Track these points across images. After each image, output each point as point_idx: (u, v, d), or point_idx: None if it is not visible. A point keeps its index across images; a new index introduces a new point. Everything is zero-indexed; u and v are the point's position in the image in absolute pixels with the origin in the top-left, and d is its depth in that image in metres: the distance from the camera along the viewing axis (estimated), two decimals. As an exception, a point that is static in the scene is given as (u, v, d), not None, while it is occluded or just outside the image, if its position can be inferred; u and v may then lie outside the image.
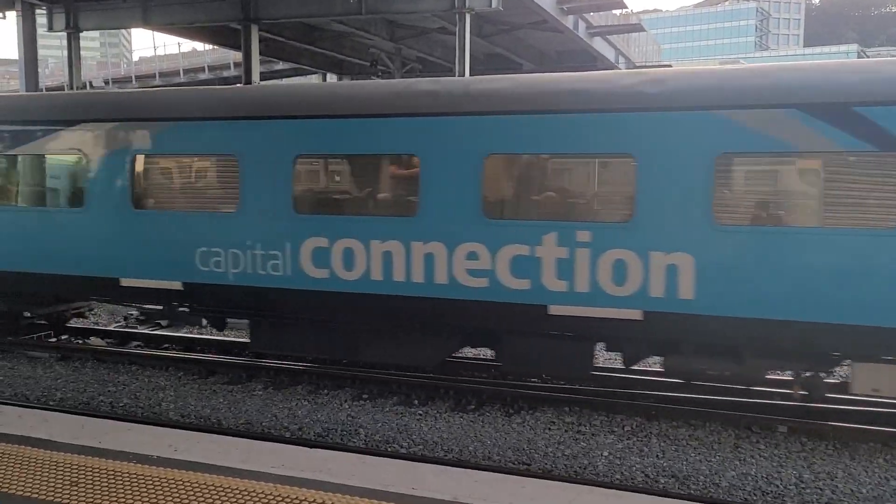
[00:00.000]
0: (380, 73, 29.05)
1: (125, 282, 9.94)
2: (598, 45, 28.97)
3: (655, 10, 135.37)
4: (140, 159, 9.86)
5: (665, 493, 6.45)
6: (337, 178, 10.11)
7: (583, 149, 8.18)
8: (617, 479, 7.12)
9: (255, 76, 24.22)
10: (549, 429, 8.40)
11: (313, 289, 9.02)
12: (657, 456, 7.61)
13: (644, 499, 5.08)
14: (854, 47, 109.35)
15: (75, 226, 10.20)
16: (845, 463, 7.40)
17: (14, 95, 12.73)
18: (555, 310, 8.14)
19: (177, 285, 9.68)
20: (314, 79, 36.10)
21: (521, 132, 8.24)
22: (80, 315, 13.17)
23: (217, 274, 9.43)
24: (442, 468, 5.62)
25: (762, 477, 7.06)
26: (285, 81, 35.98)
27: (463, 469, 5.67)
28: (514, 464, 7.52)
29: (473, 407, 9.14)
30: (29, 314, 12.13)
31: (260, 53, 25.00)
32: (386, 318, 9.15)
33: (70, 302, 12.41)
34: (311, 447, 6.07)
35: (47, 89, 33.54)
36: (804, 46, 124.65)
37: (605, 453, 7.67)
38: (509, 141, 8.32)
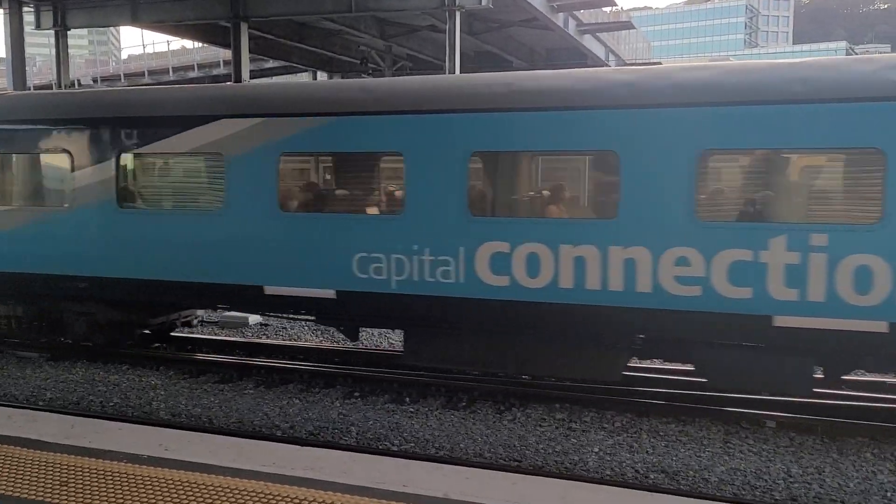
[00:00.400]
0: (370, 72, 29.01)
1: (270, 290, 9.42)
2: (589, 42, 29.03)
3: (645, 8, 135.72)
4: (285, 158, 9.33)
5: (655, 489, 6.48)
6: (518, 177, 9.32)
7: (824, 143, 7.39)
8: (607, 474, 7.16)
9: (245, 74, 24.12)
10: (540, 425, 8.44)
11: (490, 297, 8.44)
12: (647, 452, 7.65)
13: (635, 494, 5.12)
14: (843, 44, 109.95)
15: (212, 230, 9.61)
16: (833, 457, 7.46)
17: (142, 88, 11.93)
18: (782, 321, 7.46)
19: (329, 293, 9.12)
20: (304, 77, 36.00)
21: (741, 126, 7.52)
22: (188, 324, 12.89)
23: (377, 281, 8.87)
24: (433, 465, 5.63)
25: (751, 472, 7.11)
26: (276, 79, 35.87)
27: (454, 466, 5.69)
28: (505, 461, 7.55)
29: (465, 404, 9.17)
30: (141, 324, 11.46)
31: (250, 51, 24.88)
32: (573, 328, 8.54)
33: (183, 310, 11.99)
34: (302, 445, 6.08)
35: (35, 88, 33.32)
36: (793, 44, 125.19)
37: (596, 449, 7.70)
38: (729, 136, 7.58)
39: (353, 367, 10.36)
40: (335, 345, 11.90)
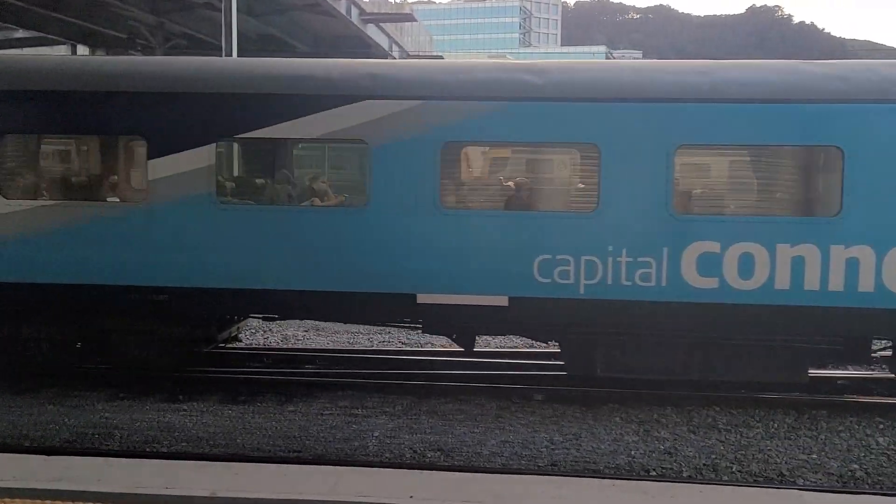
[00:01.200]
0: (139, 48, 26.96)
1: (424, 298, 8.28)
2: (372, 32, 29.26)
3: (429, 2, 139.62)
4: (447, 149, 8.15)
5: (423, 466, 6.69)
6: (728, 173, 8.79)
7: None
8: (387, 457, 7.27)
9: (-12, 43, 21.34)
10: (322, 414, 8.38)
11: (695, 300, 7.92)
12: (426, 432, 7.88)
13: (406, 473, 5.24)
14: (603, 48, 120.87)
15: (350, 230, 8.28)
16: (589, 423, 8.18)
17: (258, 59, 9.28)
18: None
19: (500, 301, 8.18)
20: (62, 50, 32.59)
21: None
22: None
23: (562, 286, 8.06)
24: (201, 464, 5.39)
25: (519, 443, 7.60)
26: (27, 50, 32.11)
27: (224, 463, 5.48)
28: (284, 452, 7.40)
29: (244, 398, 8.86)
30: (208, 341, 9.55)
31: (-6, 18, 22.06)
32: (787, 331, 8.13)
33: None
34: (48, 455, 5.51)
35: None
36: (562, 46, 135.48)
37: (377, 434, 7.80)
38: None
39: (116, 368, 9.58)
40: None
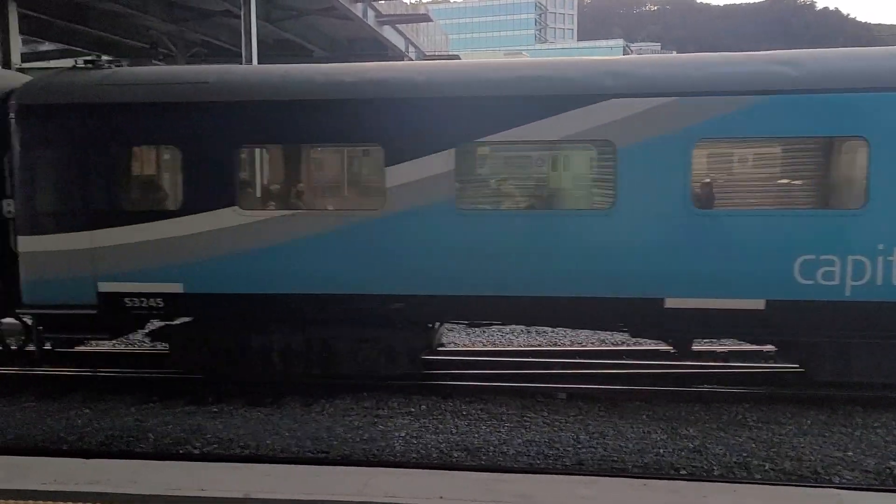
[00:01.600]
0: (161, 57, 27.32)
1: (672, 303, 8.05)
2: (388, 33, 29.39)
3: (444, 0, 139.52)
4: (699, 146, 7.95)
5: (452, 466, 6.77)
6: None
7: None
8: (413, 457, 7.36)
9: (16, 57, 21.73)
10: (348, 415, 8.49)
11: None
12: (451, 432, 7.96)
13: (433, 474, 5.32)
14: (620, 42, 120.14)
15: (595, 233, 8.09)
16: (615, 422, 8.21)
17: (499, 63, 9.14)
18: None
19: (756, 304, 7.92)
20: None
21: None
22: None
23: (825, 288, 7.76)
24: (233, 466, 5.51)
25: (545, 442, 7.65)
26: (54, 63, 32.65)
27: (255, 464, 5.59)
28: (312, 453, 7.52)
29: (271, 400, 9.00)
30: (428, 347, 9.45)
31: (21, 32, 22.47)
32: None
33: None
34: (87, 458, 5.67)
35: None
36: (578, 40, 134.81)
37: (402, 434, 7.89)
38: None
39: (148, 371, 9.78)
40: (129, 348, 11.17)
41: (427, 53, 34.26)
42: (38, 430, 8.07)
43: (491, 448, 7.53)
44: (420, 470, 5.41)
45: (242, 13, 18.78)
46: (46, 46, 31.50)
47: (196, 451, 7.55)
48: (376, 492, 4.84)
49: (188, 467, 5.45)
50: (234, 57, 26.15)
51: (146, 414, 8.54)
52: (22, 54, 23.26)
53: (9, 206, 8.85)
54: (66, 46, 30.67)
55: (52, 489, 4.92)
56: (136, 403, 8.91)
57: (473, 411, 8.56)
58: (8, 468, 5.30)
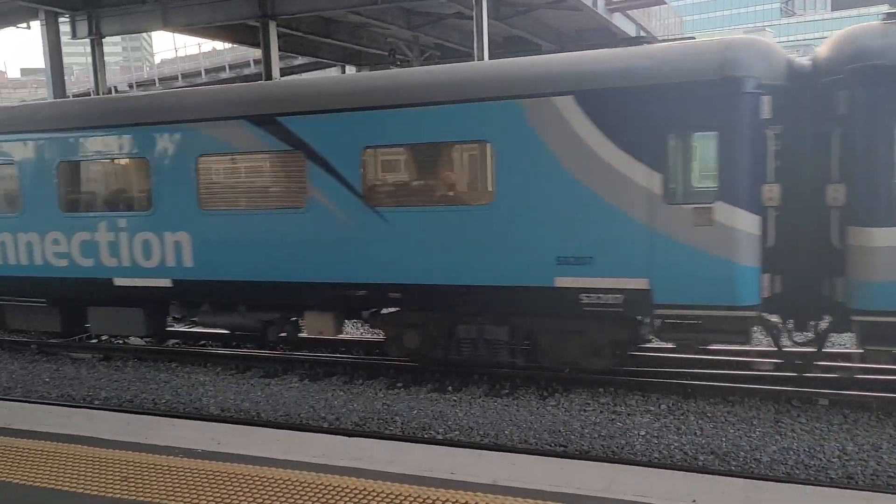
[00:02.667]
0: (398, 63, 29.02)
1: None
2: (618, 20, 28.62)
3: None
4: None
5: (705, 470, 6.43)
6: None
7: None
8: (655, 457, 7.12)
9: (276, 72, 24.34)
10: (585, 410, 8.41)
11: None
12: (695, 433, 7.58)
13: (686, 476, 5.08)
14: (884, 7, 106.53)
15: None
16: (890, 433, 7.30)
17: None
18: None
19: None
20: (333, 72, 36.16)
21: None
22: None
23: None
24: (480, 452, 5.67)
25: (804, 451, 7.00)
26: (305, 75, 36.07)
27: (500, 453, 5.71)
28: (550, 446, 7.55)
29: (507, 391, 9.18)
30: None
31: (279, 49, 25.10)
32: None
33: None
34: (349, 436, 6.16)
35: (74, 96, 34.04)
36: (832, 10, 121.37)
37: (643, 432, 7.66)
38: None
39: (394, 358, 10.42)
40: (375, 336, 11.99)
41: (659, 38, 32.89)
42: (302, 408, 8.93)
43: (742, 453, 7.04)
44: (669, 470, 5.18)
45: (474, 13, 19.33)
46: (299, 61, 34.86)
47: (440, 436, 7.91)
48: (623, 489, 4.71)
49: (437, 451, 5.70)
50: (465, 57, 27.06)
51: (393, 399, 9.11)
52: (280, 69, 25.93)
53: (835, 191, 7.58)
54: (316, 59, 33.73)
55: (320, 462, 5.40)
56: (384, 388, 9.53)
57: (719, 413, 8.08)
58: (286, 441, 5.93)
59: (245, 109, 9.68)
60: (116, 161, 10.97)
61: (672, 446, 7.32)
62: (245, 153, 9.86)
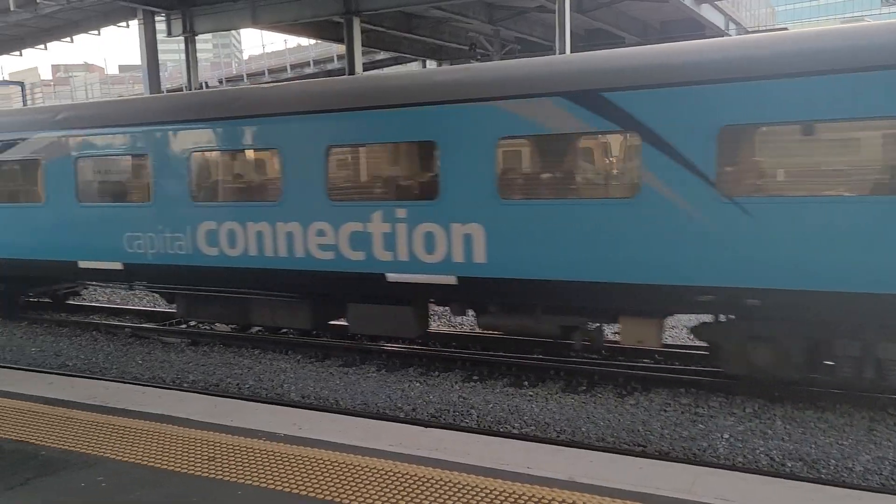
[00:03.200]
0: (478, 57, 29.00)
1: None
2: (706, 11, 27.78)
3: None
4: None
5: (793, 477, 6.18)
6: None
7: None
8: (739, 461, 6.90)
9: (359, 67, 24.75)
10: (665, 410, 8.22)
11: None
12: (782, 439, 7.30)
13: (771, 482, 4.90)
14: None
15: None
16: None
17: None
18: None
19: None
20: (413, 66, 36.48)
21: None
22: None
23: None
24: (556, 448, 5.62)
25: (900, 461, 6.65)
26: (386, 70, 36.53)
27: (577, 449, 5.64)
28: (628, 445, 7.42)
29: (584, 388, 9.07)
30: None
31: (361, 44, 25.50)
32: None
33: None
34: (425, 427, 6.21)
35: (167, 91, 35.54)
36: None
37: (726, 435, 7.43)
38: None
39: (470, 351, 10.45)
40: (452, 329, 12.06)
41: (749, 29, 31.71)
42: (379, 397, 9.06)
43: (832, 461, 6.74)
44: (753, 475, 5.01)
45: (556, 6, 19.12)
46: (381, 56, 35.33)
47: (515, 431, 7.89)
48: (706, 492, 4.58)
49: (513, 445, 5.68)
50: (546, 51, 26.83)
51: (469, 392, 9.13)
52: (362, 64, 26.35)
53: None
54: (397, 54, 34.10)
55: (397, 451, 5.47)
56: (459, 381, 9.57)
57: (808, 419, 7.76)
58: (364, 428, 6.03)
59: (559, 85, 8.38)
60: (394, 144, 9.83)
61: (757, 451, 7.07)
62: (556, 135, 8.51)
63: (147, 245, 11.08)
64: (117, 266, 11.41)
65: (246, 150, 10.76)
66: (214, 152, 10.83)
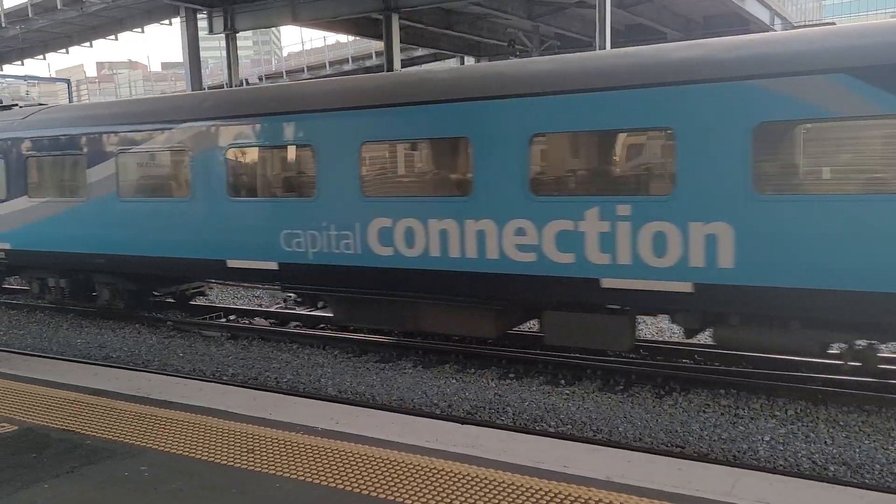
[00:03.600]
0: (517, 53, 28.87)
1: None
2: (750, 6, 27.26)
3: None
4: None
5: (837, 481, 6.05)
6: None
7: None
8: (780, 465, 6.78)
9: (397, 63, 24.83)
10: (704, 411, 8.11)
11: None
12: (825, 442, 7.15)
13: (813, 485, 4.80)
14: None
15: None
16: None
17: None
18: None
19: None
20: (451, 63, 36.48)
21: None
22: None
23: None
24: (593, 447, 5.58)
25: (949, 468, 6.47)
26: (424, 67, 36.59)
27: (615, 449, 5.60)
28: (667, 446, 7.34)
29: (622, 387, 8.99)
30: None
31: (400, 41, 25.58)
32: None
33: None
34: (461, 423, 6.22)
35: (209, 88, 36.06)
36: None
37: (767, 438, 7.31)
38: None
39: (507, 348, 10.42)
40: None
41: (795, 24, 31.04)
42: (416, 393, 9.09)
43: (878, 466, 6.59)
44: (795, 479, 4.92)
45: (597, 1, 18.95)
46: (419, 52, 35.40)
47: (551, 429, 7.85)
48: (746, 494, 4.51)
49: (549, 443, 5.66)
50: (586, 46, 26.60)
51: (505, 389, 9.11)
52: (400, 61, 26.44)
53: None
54: (435, 50, 34.14)
55: (433, 447, 5.49)
56: (495, 378, 9.56)
57: (853, 422, 7.59)
58: (400, 424, 6.07)
59: (848, 61, 7.03)
60: (617, 132, 8.50)
61: (799, 454, 6.94)
62: (842, 119, 7.16)
63: (308, 244, 10.11)
64: (271, 266, 10.48)
65: (430, 140, 9.65)
66: (391, 143, 9.98)
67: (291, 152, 10.85)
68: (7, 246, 13.62)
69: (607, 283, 8.24)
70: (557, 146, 9.02)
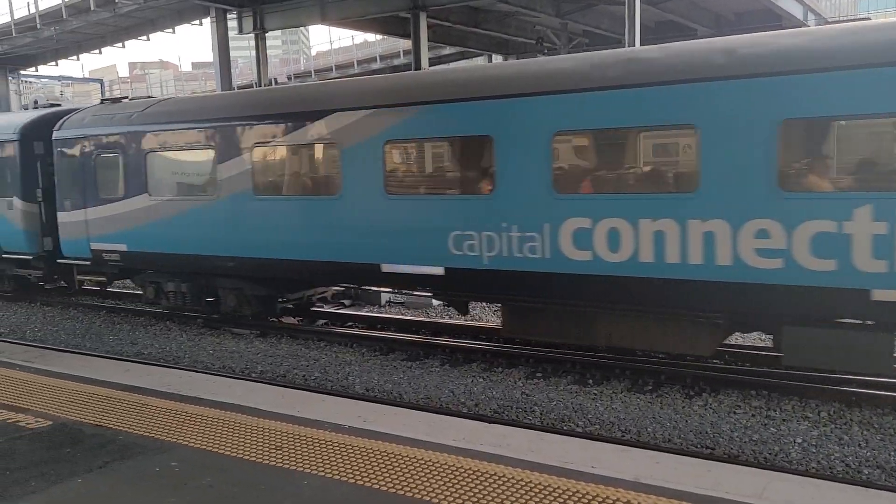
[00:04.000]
0: (545, 51, 28.74)
1: None
2: (783, 1, 26.84)
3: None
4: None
5: (870, 485, 5.93)
6: None
7: None
8: (813, 467, 6.66)
9: (425, 62, 24.85)
10: (734, 412, 8.01)
11: None
12: (859, 445, 7.02)
13: (845, 489, 4.72)
14: None
15: None
16: None
17: None
18: None
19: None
20: (479, 61, 36.43)
21: None
22: None
23: None
24: (622, 448, 5.55)
25: None
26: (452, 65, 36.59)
27: (644, 450, 5.56)
28: (696, 447, 7.25)
29: (651, 388, 8.91)
30: None
31: (428, 39, 25.60)
32: None
33: None
34: (488, 423, 6.21)
35: (238, 88, 36.43)
36: None
37: (799, 440, 7.19)
38: None
39: (535, 347, 10.39)
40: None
41: (829, 19, 30.49)
42: (443, 392, 9.09)
43: (913, 471, 6.44)
44: (828, 482, 4.83)
45: (626, -1, 18.83)
46: (447, 51, 35.39)
47: (579, 429, 7.81)
48: (777, 497, 4.45)
49: (577, 443, 5.64)
50: (614, 44, 26.37)
51: (532, 388, 9.08)
52: (428, 59, 26.46)
53: None
54: (463, 49, 34.11)
55: (461, 446, 5.50)
56: (523, 378, 9.52)
57: (888, 425, 7.44)
58: (428, 423, 6.08)
59: None
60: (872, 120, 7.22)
61: (832, 457, 6.82)
62: None
63: (483, 247, 9.11)
64: (437, 271, 9.50)
65: (639, 129, 8.45)
66: (589, 131, 8.75)
67: (465, 144, 9.65)
68: (122, 247, 12.67)
69: (879, 295, 7.07)
70: (812, 133, 7.75)
